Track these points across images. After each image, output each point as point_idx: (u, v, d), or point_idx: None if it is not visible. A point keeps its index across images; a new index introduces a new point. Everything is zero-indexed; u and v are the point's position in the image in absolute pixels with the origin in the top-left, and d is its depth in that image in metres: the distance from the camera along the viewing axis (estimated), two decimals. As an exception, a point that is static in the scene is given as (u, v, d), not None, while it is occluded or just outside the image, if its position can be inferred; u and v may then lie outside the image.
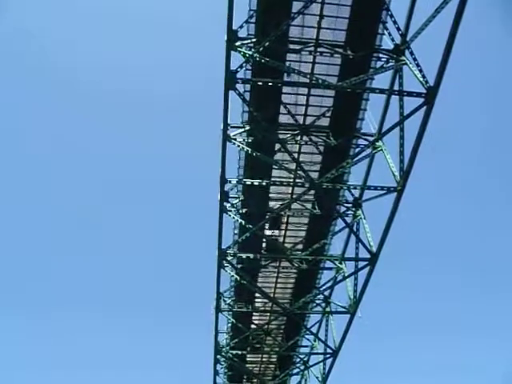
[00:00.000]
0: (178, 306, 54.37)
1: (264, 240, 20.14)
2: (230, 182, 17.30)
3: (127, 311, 52.82)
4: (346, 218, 19.22)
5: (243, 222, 18.17)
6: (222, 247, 18.25)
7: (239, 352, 24.62)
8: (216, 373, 25.79)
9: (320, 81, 14.40)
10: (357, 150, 17.82)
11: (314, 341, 24.97)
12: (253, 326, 23.87)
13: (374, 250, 18.01)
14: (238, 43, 13.88)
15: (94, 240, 51.97)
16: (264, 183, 17.47)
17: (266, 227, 19.79)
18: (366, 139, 17.56)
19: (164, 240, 54.29)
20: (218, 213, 17.04)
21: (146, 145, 50.44)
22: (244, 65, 14.02)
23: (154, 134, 51.24)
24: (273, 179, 18.50)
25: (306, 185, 16.80)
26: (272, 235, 19.48)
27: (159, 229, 53.32)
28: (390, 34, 15.29)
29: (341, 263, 20.90)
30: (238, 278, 20.31)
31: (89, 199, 50.18)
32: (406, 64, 15.00)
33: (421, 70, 14.30)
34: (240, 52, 13.88)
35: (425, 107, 14.34)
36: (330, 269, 21.91)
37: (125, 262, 54.30)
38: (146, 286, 54.33)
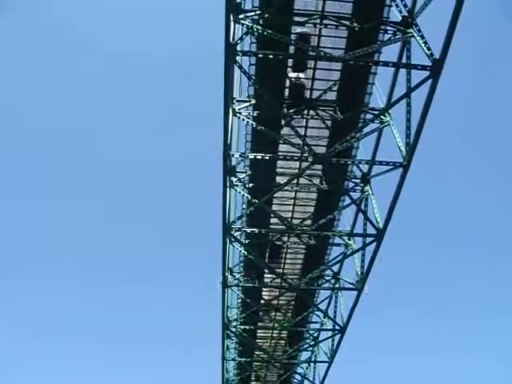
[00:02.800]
0: (191, 280, 54.94)
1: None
2: (233, 155, 17.18)
3: (140, 285, 53.65)
4: (355, 194, 19.10)
5: (249, 197, 18.19)
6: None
7: (248, 327, 24.74)
8: (227, 348, 26.06)
9: (322, 53, 14.20)
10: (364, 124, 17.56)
11: (324, 317, 24.99)
12: (262, 302, 24.00)
13: (381, 226, 17.89)
14: (241, 16, 13.77)
15: (111, 217, 52.73)
16: (267, 157, 17.31)
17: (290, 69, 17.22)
18: (373, 113, 17.26)
19: (179, 215, 54.90)
20: (222, 187, 16.99)
21: (160, 122, 50.94)
22: (244, 37, 13.86)
23: (172, 111, 52.61)
24: (279, 154, 18.39)
25: (310, 159, 16.66)
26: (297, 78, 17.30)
27: (179, 204, 53.79)
28: (397, 6, 14.90)
29: (349, 239, 20.81)
30: (246, 253, 20.37)
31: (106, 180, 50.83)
32: (413, 37, 14.65)
33: (426, 43, 13.95)
34: (243, 24, 13.78)
35: (430, 80, 14.05)
36: (339, 245, 21.82)
37: (141, 234, 55.11)
38: (168, 261, 55.09)
